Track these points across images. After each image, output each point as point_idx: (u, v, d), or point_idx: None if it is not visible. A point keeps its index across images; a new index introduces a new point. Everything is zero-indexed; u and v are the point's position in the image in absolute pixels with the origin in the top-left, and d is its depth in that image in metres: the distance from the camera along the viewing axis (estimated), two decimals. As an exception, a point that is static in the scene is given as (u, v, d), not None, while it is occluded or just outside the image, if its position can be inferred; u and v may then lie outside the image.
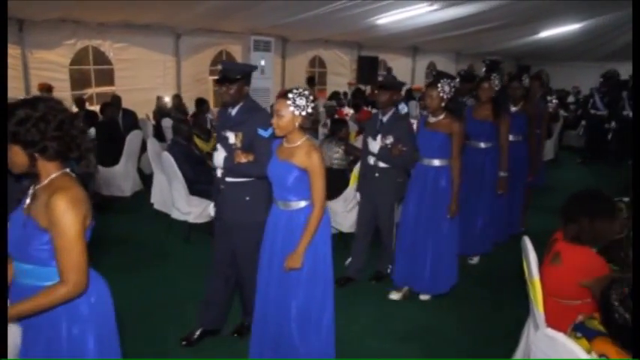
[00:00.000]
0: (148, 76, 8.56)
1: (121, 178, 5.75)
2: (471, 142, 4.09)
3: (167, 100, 8.34)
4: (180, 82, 8.91)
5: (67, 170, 1.64)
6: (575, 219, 2.20)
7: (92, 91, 8.27)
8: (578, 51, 12.91)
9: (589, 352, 1.55)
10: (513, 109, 4.36)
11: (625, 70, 9.68)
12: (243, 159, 2.72)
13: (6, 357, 1.53)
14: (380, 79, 3.62)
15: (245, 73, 2.84)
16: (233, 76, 2.76)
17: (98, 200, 5.46)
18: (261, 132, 2.72)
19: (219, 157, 2.81)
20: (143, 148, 6.26)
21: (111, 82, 8.29)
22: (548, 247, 2.42)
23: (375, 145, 3.59)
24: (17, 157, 1.56)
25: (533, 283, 2.14)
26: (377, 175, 3.66)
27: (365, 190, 3.79)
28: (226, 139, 2.83)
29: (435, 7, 7.80)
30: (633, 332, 1.49)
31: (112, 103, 6.78)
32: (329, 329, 2.58)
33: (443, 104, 3.37)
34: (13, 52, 7.16)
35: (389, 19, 8.60)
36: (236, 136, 2.80)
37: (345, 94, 10.55)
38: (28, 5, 6.45)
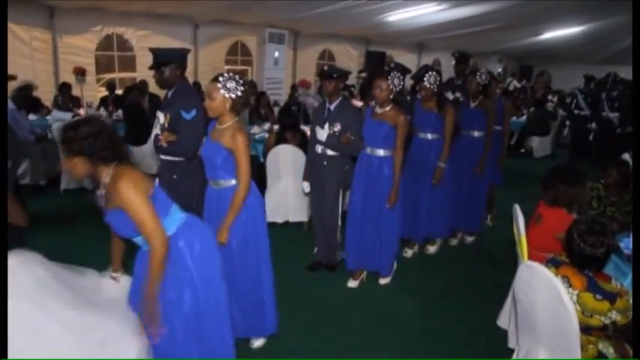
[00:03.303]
0: (168, 64, 8.92)
1: (148, 157, 6.17)
2: (419, 134, 4.14)
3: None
4: (198, 69, 9.24)
5: (115, 162, 1.91)
6: (553, 185, 2.71)
7: (115, 75, 8.67)
8: (579, 53, 13.25)
9: (556, 275, 2.04)
10: (472, 104, 4.40)
11: (625, 74, 9.79)
12: (164, 139, 2.88)
13: (6, 357, 1.61)
14: (325, 68, 3.59)
15: (175, 58, 2.95)
16: (163, 60, 2.91)
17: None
18: (183, 114, 2.87)
19: (153, 135, 3.01)
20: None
21: (133, 69, 8.71)
22: (532, 214, 2.90)
23: (323, 134, 3.59)
24: (79, 167, 1.85)
25: (521, 240, 2.62)
26: (325, 162, 3.65)
27: (314, 178, 3.78)
28: (159, 119, 3.05)
29: (442, 7, 8.17)
30: (633, 331, 1.94)
31: (139, 87, 7.18)
32: (271, 304, 2.72)
33: (391, 96, 3.41)
34: (43, 36, 7.57)
35: (397, 16, 8.93)
36: (165, 116, 2.96)
37: (354, 86, 10.92)
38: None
